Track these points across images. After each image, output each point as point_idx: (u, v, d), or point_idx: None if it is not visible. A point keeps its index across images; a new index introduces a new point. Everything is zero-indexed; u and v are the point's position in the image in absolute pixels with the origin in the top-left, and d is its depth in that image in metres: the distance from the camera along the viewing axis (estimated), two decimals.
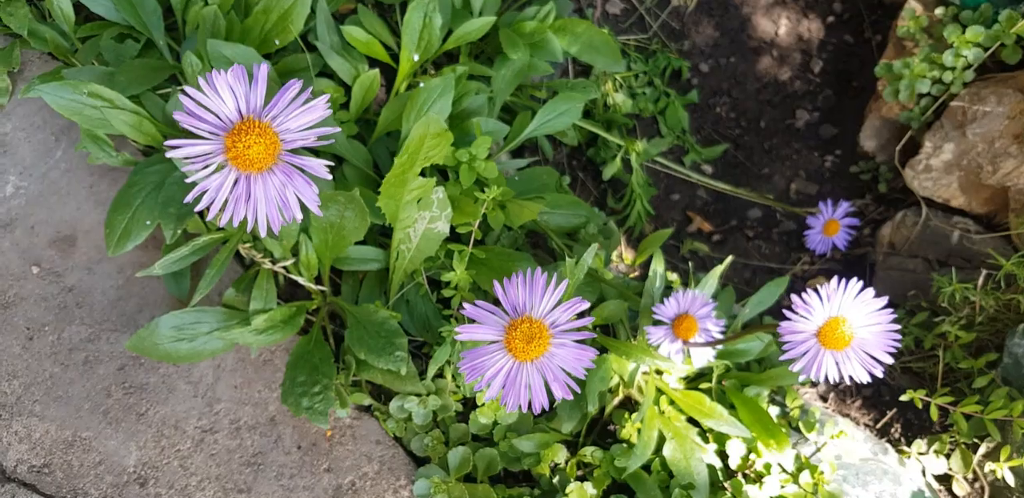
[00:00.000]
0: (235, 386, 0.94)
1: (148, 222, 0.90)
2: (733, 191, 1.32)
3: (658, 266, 0.93)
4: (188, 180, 0.50)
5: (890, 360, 0.63)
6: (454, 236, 0.98)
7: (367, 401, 0.91)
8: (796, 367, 0.63)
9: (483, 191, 1.03)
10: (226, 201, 0.50)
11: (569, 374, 0.58)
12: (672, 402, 0.92)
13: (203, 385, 0.94)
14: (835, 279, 0.62)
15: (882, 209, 1.32)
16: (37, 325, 0.98)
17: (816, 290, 0.62)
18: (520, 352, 0.56)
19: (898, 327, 0.65)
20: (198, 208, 0.50)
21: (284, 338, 0.90)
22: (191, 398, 0.93)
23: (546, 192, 1.11)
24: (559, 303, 0.59)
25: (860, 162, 1.35)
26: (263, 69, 0.52)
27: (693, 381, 0.98)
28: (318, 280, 0.95)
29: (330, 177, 0.51)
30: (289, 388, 0.85)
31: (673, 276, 0.99)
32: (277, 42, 1.03)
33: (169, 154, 0.49)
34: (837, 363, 0.62)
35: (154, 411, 0.93)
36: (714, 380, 0.93)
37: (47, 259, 1.01)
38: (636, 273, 1.20)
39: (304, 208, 0.54)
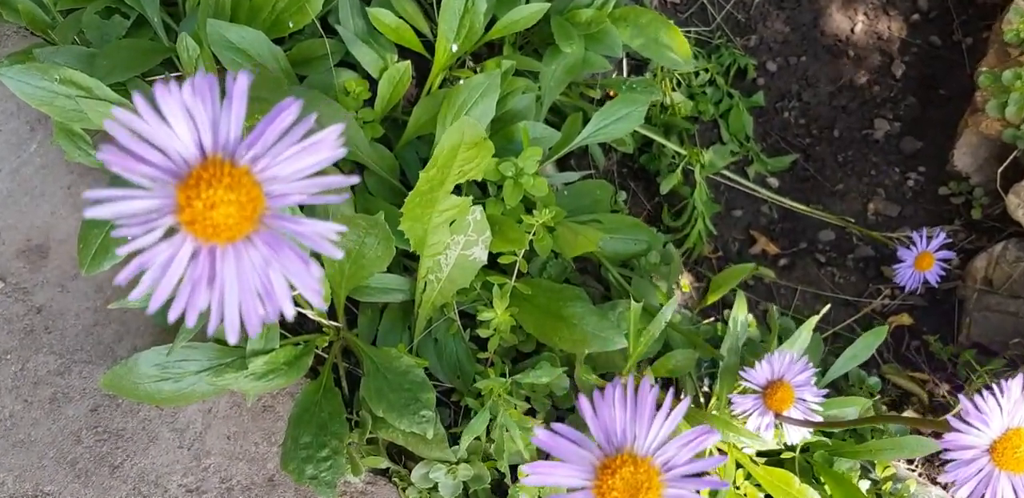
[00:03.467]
0: (228, 436, 0.79)
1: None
2: (804, 210, 1.16)
3: (740, 312, 0.77)
4: (120, 250, 0.33)
5: None
6: (491, 263, 0.82)
7: (384, 464, 0.77)
8: (962, 493, 0.48)
9: (528, 211, 0.87)
10: (179, 285, 0.34)
11: None
12: (749, 475, 0.77)
13: (190, 434, 0.79)
14: (1021, 378, 0.47)
15: (974, 238, 1.15)
16: None
17: (992, 391, 0.47)
18: None
19: None
20: (135, 295, 0.33)
21: (288, 383, 0.75)
22: (175, 449, 0.78)
23: (599, 210, 0.95)
24: (675, 433, 0.40)
25: (951, 183, 1.19)
26: (240, 82, 0.33)
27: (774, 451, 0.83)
28: (331, 313, 0.80)
29: (336, 240, 0.34)
30: (291, 450, 0.70)
31: (745, 314, 0.83)
32: (291, 24, 0.87)
33: (89, 213, 0.32)
34: (1016, 489, 0.47)
35: (131, 463, 0.78)
36: (798, 451, 0.78)
37: (14, 272, 0.86)
38: (687, 299, 1.05)
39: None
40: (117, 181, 0.34)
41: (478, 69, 1.02)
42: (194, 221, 0.32)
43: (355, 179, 0.35)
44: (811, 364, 0.70)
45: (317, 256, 0.74)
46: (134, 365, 0.76)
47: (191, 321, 0.33)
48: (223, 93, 0.33)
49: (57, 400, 0.81)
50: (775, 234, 1.18)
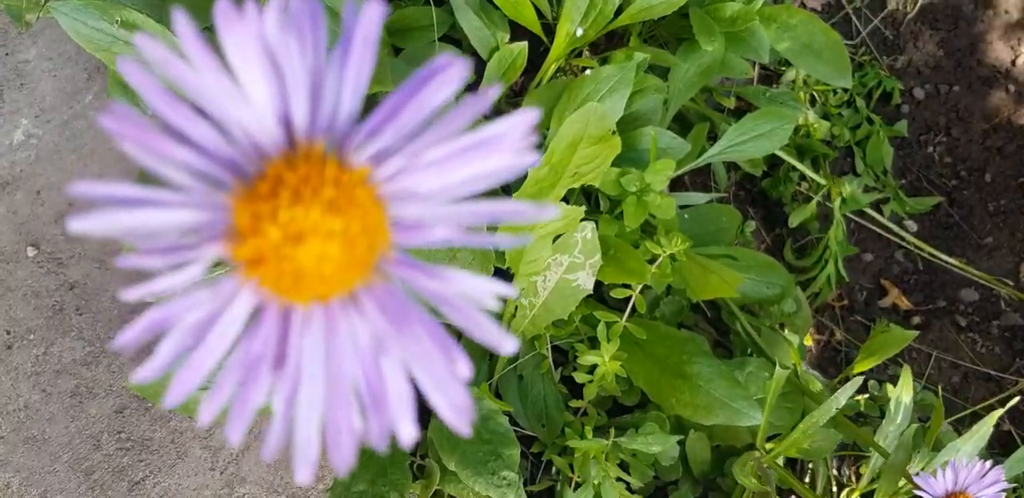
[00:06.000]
0: (268, 463, 0.67)
1: None
2: (946, 263, 0.99)
3: (905, 394, 0.62)
4: (127, 293, 0.19)
5: None
6: (596, 293, 0.69)
7: None
8: None
9: (646, 233, 0.73)
10: (221, 367, 0.20)
11: None
12: None
13: (225, 455, 0.67)
14: None
15: None
16: (21, 330, 0.72)
17: None
18: None
19: None
20: (144, 374, 0.20)
21: None
22: (206, 471, 0.67)
23: (722, 241, 0.81)
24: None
25: None
26: (370, 16, 0.19)
27: None
28: None
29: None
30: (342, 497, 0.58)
31: (911, 396, 0.68)
32: None
33: (76, 225, 0.18)
34: None
35: (153, 481, 0.67)
36: None
37: (49, 239, 0.75)
38: (808, 355, 0.90)
39: None
40: (148, 177, 0.20)
41: (597, 61, 0.89)
42: (262, 260, 0.19)
43: (551, 210, 0.21)
44: (998, 472, 0.55)
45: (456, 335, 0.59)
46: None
47: (233, 435, 0.20)
48: (332, 38, 0.20)
49: (80, 395, 0.70)
50: (909, 286, 1.02)
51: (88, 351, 0.71)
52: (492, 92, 0.19)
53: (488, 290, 0.20)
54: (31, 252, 0.75)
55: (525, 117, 0.19)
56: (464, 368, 0.20)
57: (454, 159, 0.19)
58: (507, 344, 0.20)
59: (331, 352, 0.21)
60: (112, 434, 0.69)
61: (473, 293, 0.20)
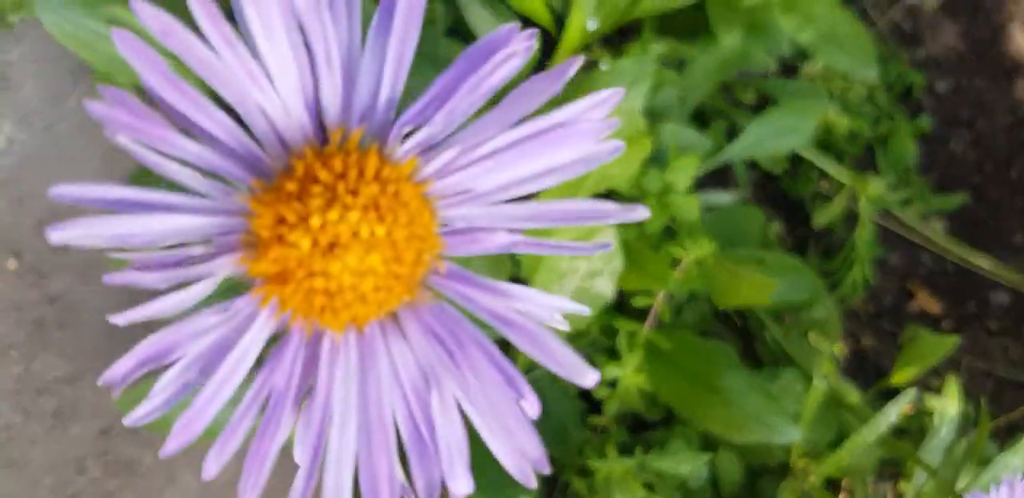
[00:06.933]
0: (266, 492, 0.62)
1: None
2: (975, 265, 0.95)
3: (951, 407, 0.58)
4: (117, 317, 0.15)
5: None
6: (616, 302, 0.64)
7: None
8: None
9: (667, 236, 0.69)
10: (233, 406, 0.16)
11: None
12: None
13: (219, 482, 0.62)
14: None
15: None
16: (1, 346, 0.68)
17: None
18: None
19: None
20: (139, 416, 0.16)
21: None
22: None
23: (745, 243, 0.76)
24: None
25: None
26: None
27: None
28: None
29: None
30: None
31: (957, 409, 0.63)
32: None
33: (57, 234, 0.14)
34: None
35: None
36: None
37: (32, 249, 0.71)
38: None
39: None
40: (144, 176, 0.16)
41: (610, 55, 0.84)
42: (288, 275, 0.15)
43: (642, 211, 0.17)
44: None
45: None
46: None
47: (249, 491, 0.17)
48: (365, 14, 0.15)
49: (62, 415, 0.65)
50: (938, 290, 0.97)
51: (70, 368, 0.67)
52: (571, 67, 0.15)
53: (554, 307, 0.16)
54: (11, 264, 0.70)
55: (606, 96, 0.15)
56: (533, 406, 0.16)
57: (518, 149, 0.15)
58: (590, 376, 0.16)
59: (367, 386, 0.16)
60: (97, 457, 0.64)
61: (538, 311, 0.16)
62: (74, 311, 0.68)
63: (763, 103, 0.94)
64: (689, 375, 0.59)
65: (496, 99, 0.16)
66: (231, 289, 0.16)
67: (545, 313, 0.17)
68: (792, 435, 0.55)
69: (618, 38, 0.93)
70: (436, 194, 0.16)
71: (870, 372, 0.87)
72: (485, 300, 0.16)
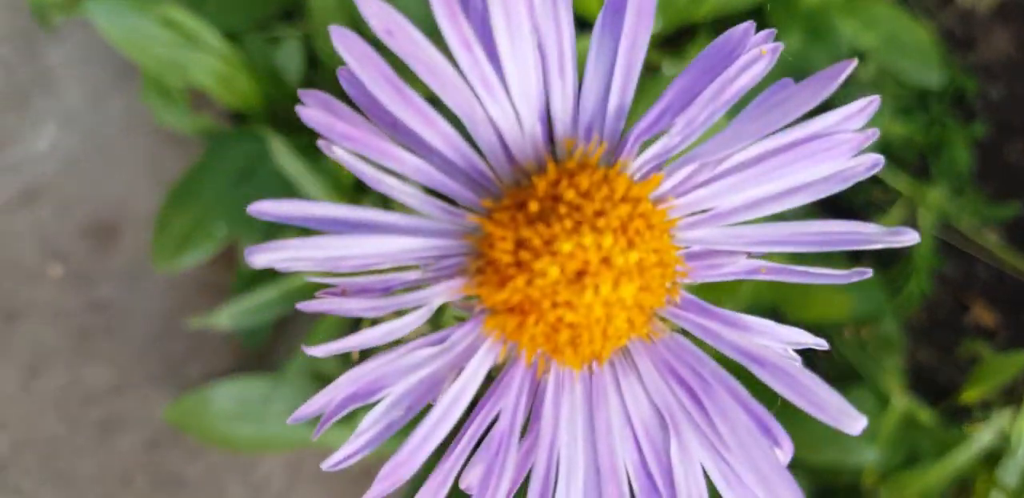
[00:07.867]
0: None
1: (219, 229, 0.58)
2: None
3: None
4: (315, 350, 0.14)
5: None
6: None
7: None
8: None
9: None
10: (448, 444, 0.14)
11: None
12: None
13: (268, 494, 0.60)
14: None
15: None
16: (45, 353, 0.66)
17: None
18: None
19: None
20: (340, 459, 0.15)
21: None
22: None
23: (809, 255, 0.73)
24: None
25: None
26: None
27: None
28: None
29: None
30: None
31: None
32: None
33: (258, 257, 0.12)
34: None
35: None
36: None
37: (76, 255, 0.69)
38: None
39: None
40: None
41: (669, 58, 0.82)
42: (530, 306, 0.13)
43: (912, 235, 0.15)
44: None
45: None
46: (208, 397, 0.58)
47: None
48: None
49: (108, 426, 0.64)
50: (994, 301, 0.94)
51: (117, 378, 0.65)
52: (841, 72, 0.12)
53: (794, 341, 0.15)
54: (56, 270, 0.69)
55: (863, 105, 0.13)
56: (788, 453, 0.14)
57: (766, 164, 0.13)
58: (858, 422, 0.14)
59: (596, 431, 0.14)
60: (144, 469, 0.62)
61: (778, 345, 0.14)
62: (120, 318, 0.67)
63: (818, 108, 0.91)
64: (759, 391, 0.57)
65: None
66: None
67: (783, 346, 0.15)
68: (867, 455, 0.53)
69: (676, 41, 0.91)
70: (676, 212, 0.14)
71: (927, 386, 0.84)
72: (724, 332, 0.14)
